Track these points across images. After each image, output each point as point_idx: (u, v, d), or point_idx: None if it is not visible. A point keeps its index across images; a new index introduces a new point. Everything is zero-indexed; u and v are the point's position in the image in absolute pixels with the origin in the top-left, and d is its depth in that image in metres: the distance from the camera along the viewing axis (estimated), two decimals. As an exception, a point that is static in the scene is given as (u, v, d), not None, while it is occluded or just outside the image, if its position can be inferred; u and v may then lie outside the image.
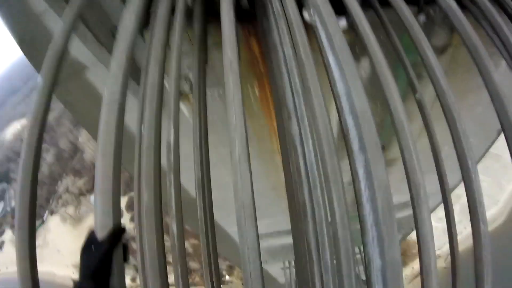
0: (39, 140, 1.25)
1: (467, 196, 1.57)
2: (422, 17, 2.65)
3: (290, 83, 1.33)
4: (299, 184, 1.17)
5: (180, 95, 2.70)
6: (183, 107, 2.73)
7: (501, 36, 1.88)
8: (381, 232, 0.87)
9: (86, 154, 45.81)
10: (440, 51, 3.06)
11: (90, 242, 0.98)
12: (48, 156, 50.19)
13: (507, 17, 2.00)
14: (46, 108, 1.35)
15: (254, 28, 2.24)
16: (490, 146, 5.25)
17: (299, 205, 1.15)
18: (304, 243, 1.19)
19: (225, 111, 2.76)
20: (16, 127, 69.99)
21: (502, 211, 22.36)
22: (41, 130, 1.27)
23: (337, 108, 1.12)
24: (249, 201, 1.01)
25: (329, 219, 1.07)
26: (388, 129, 2.34)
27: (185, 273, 1.32)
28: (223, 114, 2.87)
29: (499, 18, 1.89)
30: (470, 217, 1.57)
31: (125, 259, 1.02)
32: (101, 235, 0.96)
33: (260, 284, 0.96)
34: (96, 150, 1.12)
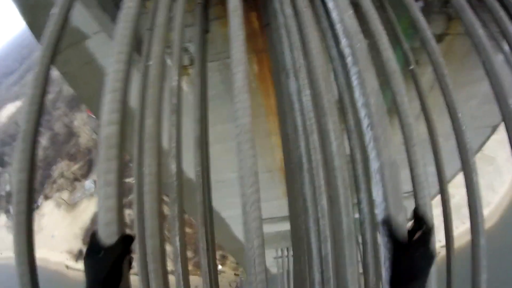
0: (39, 112, 1.22)
1: (466, 186, 1.62)
2: (420, 3, 2.69)
3: (290, 41, 1.38)
4: (295, 140, 1.23)
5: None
6: (182, 80, 2.76)
7: (502, 27, 1.91)
8: (377, 133, 0.92)
9: (81, 139, 45.58)
10: (437, 39, 3.10)
11: (97, 248, 0.92)
12: (43, 140, 49.86)
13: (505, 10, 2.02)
14: (45, 79, 1.32)
15: (254, 2, 2.28)
16: (484, 143, 5.30)
17: (296, 161, 1.21)
18: (300, 201, 1.26)
19: (224, 86, 2.80)
20: (10, 110, 69.33)
21: (494, 213, 22.60)
22: (40, 104, 1.25)
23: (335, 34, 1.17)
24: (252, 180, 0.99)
25: (327, 177, 1.14)
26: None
27: (185, 260, 1.41)
28: (222, 89, 2.92)
29: (500, 10, 1.92)
30: (469, 209, 1.61)
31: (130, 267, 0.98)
32: (108, 241, 0.91)
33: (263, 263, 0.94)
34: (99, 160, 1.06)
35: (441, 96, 1.77)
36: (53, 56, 1.34)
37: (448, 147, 1.99)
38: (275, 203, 5.25)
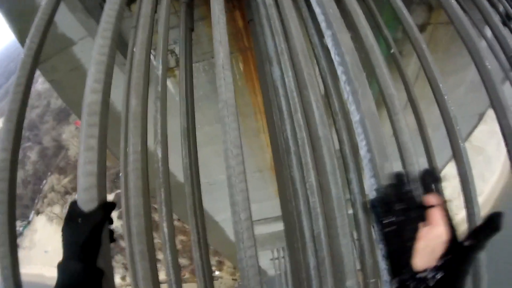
0: (20, 122, 1.19)
1: (459, 175, 1.62)
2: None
3: (271, 29, 1.42)
4: (281, 123, 1.26)
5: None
6: (168, 82, 2.77)
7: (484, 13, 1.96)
8: (354, 87, 0.94)
9: (70, 151, 45.14)
10: (419, 29, 3.16)
11: (75, 215, 0.87)
12: (32, 154, 49.27)
13: None
14: (28, 82, 1.30)
15: (238, 1, 2.32)
16: (471, 131, 5.37)
17: (283, 143, 1.23)
18: (289, 185, 1.28)
19: (211, 86, 2.81)
20: (-3, 126, 68.36)
21: (486, 203, 22.91)
22: (22, 111, 1.22)
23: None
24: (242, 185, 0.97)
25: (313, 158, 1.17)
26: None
27: (176, 266, 1.34)
28: (209, 89, 2.94)
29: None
30: (464, 195, 1.60)
31: (112, 239, 0.93)
32: (88, 208, 0.88)
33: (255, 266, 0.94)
34: (81, 127, 1.03)
35: (426, 86, 1.81)
36: (36, 58, 1.33)
37: (436, 137, 2.03)
38: (267, 203, 5.24)
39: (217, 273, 27.64)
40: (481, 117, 4.88)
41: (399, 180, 0.78)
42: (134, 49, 1.36)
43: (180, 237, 28.25)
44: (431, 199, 0.72)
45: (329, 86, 1.71)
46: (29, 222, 44.40)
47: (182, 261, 28.87)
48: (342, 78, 0.98)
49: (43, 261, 39.49)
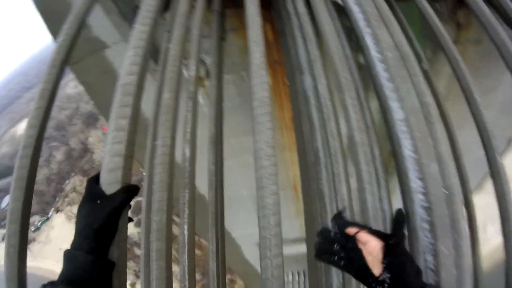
0: (44, 121, 1.19)
1: (496, 191, 1.51)
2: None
3: (304, 36, 1.40)
4: (312, 134, 1.21)
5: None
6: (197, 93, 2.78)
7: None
8: (397, 83, 0.91)
9: (95, 155, 46.24)
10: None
11: (95, 195, 0.82)
12: (58, 154, 50.77)
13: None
14: (56, 80, 1.30)
15: (269, 14, 2.31)
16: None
17: (312, 156, 1.19)
18: (316, 203, 1.22)
19: (240, 98, 2.80)
20: (29, 123, 71.05)
21: None
22: (47, 109, 1.22)
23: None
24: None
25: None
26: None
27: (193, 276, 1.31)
28: (237, 102, 2.92)
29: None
30: (500, 212, 1.50)
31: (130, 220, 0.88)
32: (110, 190, 0.83)
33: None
34: (113, 108, 1.01)
35: (453, 107, 1.72)
36: (66, 57, 1.34)
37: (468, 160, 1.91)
38: (287, 223, 5.13)
39: (227, 289, 27.23)
40: (510, 142, 4.64)
41: (324, 233, 0.91)
42: (170, 45, 1.34)
43: (196, 251, 28.06)
44: (351, 230, 0.88)
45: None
46: (48, 218, 45.40)
47: (196, 276, 28.62)
48: (383, 75, 0.94)
49: (56, 257, 40.08)
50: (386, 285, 0.77)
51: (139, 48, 1.06)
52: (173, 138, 1.14)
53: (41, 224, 44.74)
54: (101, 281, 0.74)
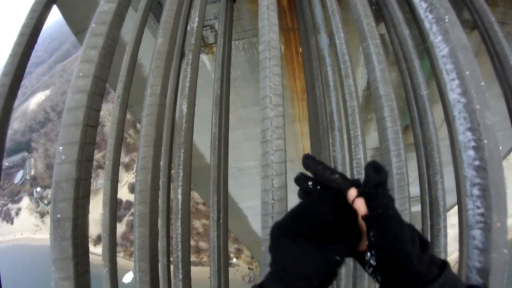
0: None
1: None
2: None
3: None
4: (326, 97, 1.15)
5: (204, 44, 2.68)
6: (205, 58, 2.70)
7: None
8: (439, 13, 0.75)
9: (106, 128, 46.67)
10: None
11: None
12: (68, 128, 51.41)
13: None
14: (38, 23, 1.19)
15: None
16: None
17: (326, 118, 1.12)
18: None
19: (249, 66, 2.72)
20: (40, 98, 71.77)
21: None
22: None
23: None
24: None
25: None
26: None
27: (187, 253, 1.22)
28: (247, 69, 2.85)
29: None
30: None
31: None
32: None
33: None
34: None
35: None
36: None
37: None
38: (293, 197, 5.12)
39: (234, 260, 27.88)
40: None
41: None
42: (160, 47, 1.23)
43: (203, 221, 28.64)
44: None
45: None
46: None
47: (203, 244, 29.32)
48: (422, 5, 0.80)
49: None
50: (371, 268, 0.58)
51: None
52: (164, 87, 1.03)
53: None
54: None
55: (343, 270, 1.18)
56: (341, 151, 1.10)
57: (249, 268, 28.00)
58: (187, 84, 1.32)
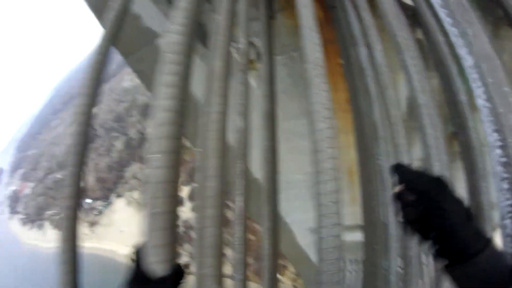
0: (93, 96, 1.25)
1: None
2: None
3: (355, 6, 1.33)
4: (368, 107, 1.15)
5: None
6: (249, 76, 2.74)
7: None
8: (463, 27, 0.80)
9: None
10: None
11: (142, 276, 0.71)
12: (118, 144, 54.08)
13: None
14: (101, 66, 1.34)
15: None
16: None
17: (371, 128, 1.12)
18: (375, 180, 1.16)
19: (291, 80, 2.73)
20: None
21: None
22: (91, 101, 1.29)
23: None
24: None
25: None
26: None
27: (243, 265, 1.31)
28: (289, 84, 2.86)
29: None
30: None
31: None
32: (160, 269, 0.72)
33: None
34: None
35: None
36: (110, 41, 1.41)
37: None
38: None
39: (278, 276, 27.58)
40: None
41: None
42: (217, 17, 1.29)
43: (248, 236, 28.65)
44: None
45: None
46: (109, 203, 49.00)
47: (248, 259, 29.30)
48: (448, 21, 0.85)
49: (117, 239, 43.39)
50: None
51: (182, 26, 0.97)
52: (224, 105, 1.06)
53: (104, 209, 48.38)
54: None
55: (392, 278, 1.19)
56: (386, 159, 1.11)
57: (293, 286, 27.55)
58: (240, 102, 1.41)
